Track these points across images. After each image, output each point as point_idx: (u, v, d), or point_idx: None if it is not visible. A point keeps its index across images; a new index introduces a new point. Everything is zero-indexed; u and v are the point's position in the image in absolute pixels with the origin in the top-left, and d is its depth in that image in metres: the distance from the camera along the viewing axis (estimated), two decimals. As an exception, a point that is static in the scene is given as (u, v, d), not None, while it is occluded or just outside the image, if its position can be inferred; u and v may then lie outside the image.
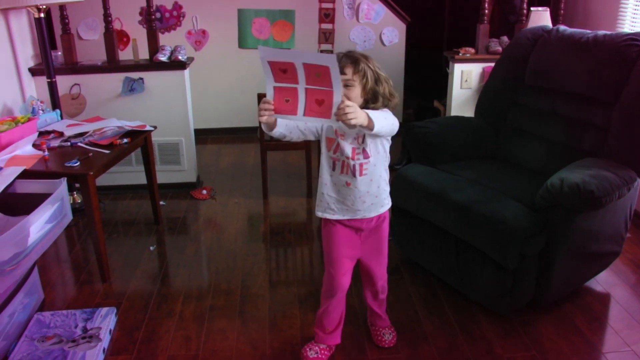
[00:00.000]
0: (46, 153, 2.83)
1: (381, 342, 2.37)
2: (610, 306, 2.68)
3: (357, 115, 1.71)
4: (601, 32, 2.82)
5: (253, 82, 5.12)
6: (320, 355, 2.28)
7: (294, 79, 1.69)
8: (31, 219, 2.18)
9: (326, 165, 2.04)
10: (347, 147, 1.97)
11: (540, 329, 2.48)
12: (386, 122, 1.86)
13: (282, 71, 1.68)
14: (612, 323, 2.54)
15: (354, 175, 2.00)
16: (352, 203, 2.05)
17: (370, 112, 1.78)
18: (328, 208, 2.08)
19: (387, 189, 2.12)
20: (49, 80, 3.47)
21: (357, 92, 1.90)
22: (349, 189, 2.02)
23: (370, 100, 1.94)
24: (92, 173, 2.66)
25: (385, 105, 1.96)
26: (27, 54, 3.72)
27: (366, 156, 1.98)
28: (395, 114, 2.00)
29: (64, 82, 3.72)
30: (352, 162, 1.98)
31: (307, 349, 2.29)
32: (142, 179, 3.53)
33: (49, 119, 3.30)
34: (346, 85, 1.86)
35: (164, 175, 3.97)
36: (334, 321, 2.27)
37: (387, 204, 2.14)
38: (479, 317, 2.57)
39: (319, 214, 2.11)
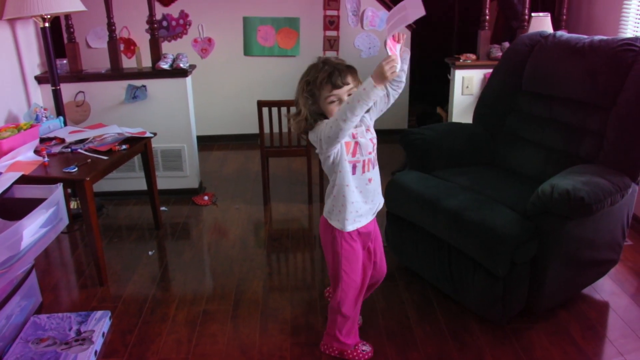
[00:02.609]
0: (46, 159, 2.89)
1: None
2: (608, 315, 2.64)
3: None
4: (597, 37, 2.80)
5: (259, 89, 5.17)
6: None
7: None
8: (24, 223, 2.22)
9: (347, 172, 2.06)
10: (366, 142, 2.06)
11: (532, 337, 2.45)
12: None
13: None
14: (608, 332, 2.50)
15: (373, 167, 2.11)
16: (373, 198, 2.15)
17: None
18: (357, 216, 2.12)
19: None
20: (53, 88, 3.55)
21: None
22: (370, 184, 2.11)
23: None
24: (88, 179, 2.70)
25: None
26: (34, 63, 3.80)
27: (374, 145, 2.10)
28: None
29: (69, 90, 3.80)
30: (372, 156, 2.09)
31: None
32: (145, 185, 3.57)
33: (52, 126, 3.36)
34: (350, 94, 1.97)
35: (166, 181, 4.02)
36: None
37: None
38: (471, 324, 2.55)
39: (350, 227, 2.12)
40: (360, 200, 2.11)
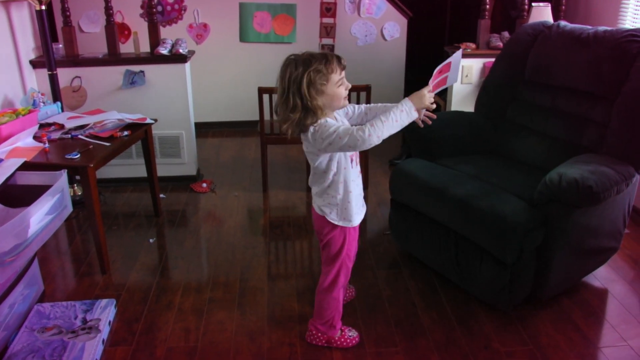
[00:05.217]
0: (47, 145, 2.84)
1: None
2: (608, 302, 2.68)
3: None
4: (601, 28, 2.82)
5: (254, 76, 5.13)
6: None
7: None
8: (31, 211, 2.19)
9: (349, 167, 2.06)
10: None
11: (537, 324, 2.49)
12: None
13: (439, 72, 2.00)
14: (609, 318, 2.55)
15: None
16: (361, 190, 2.18)
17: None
18: (360, 207, 2.17)
19: None
20: (49, 72, 3.49)
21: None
22: (360, 174, 2.16)
23: None
24: (92, 165, 2.67)
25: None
26: (29, 46, 3.73)
27: None
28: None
29: (64, 75, 3.73)
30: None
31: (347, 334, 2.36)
32: (142, 172, 3.54)
33: (50, 111, 3.30)
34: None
35: (164, 168, 3.98)
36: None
37: None
38: (477, 311, 2.58)
39: (358, 220, 2.15)
40: (358, 193, 2.14)
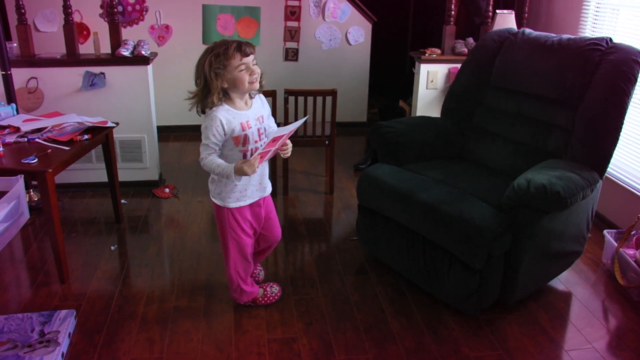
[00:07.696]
0: (1, 149, 2.71)
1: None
2: (572, 304, 2.73)
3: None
4: (565, 36, 2.87)
5: (217, 79, 5.03)
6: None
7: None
8: (-15, 218, 2.08)
9: (238, 159, 2.23)
10: (255, 133, 2.27)
11: (505, 328, 2.50)
12: None
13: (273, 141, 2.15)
14: (574, 321, 2.58)
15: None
16: (261, 181, 2.38)
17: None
18: (243, 196, 2.34)
19: None
20: (3, 72, 3.34)
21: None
22: (261, 167, 2.27)
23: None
24: (50, 170, 2.55)
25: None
26: (-20, 45, 3.56)
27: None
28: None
29: (20, 75, 3.57)
30: (259, 144, 2.27)
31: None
32: (102, 177, 3.42)
33: (4, 114, 3.16)
34: (256, 64, 2.20)
35: (126, 173, 3.87)
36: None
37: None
38: (445, 316, 2.58)
39: (234, 204, 2.34)
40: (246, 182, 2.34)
